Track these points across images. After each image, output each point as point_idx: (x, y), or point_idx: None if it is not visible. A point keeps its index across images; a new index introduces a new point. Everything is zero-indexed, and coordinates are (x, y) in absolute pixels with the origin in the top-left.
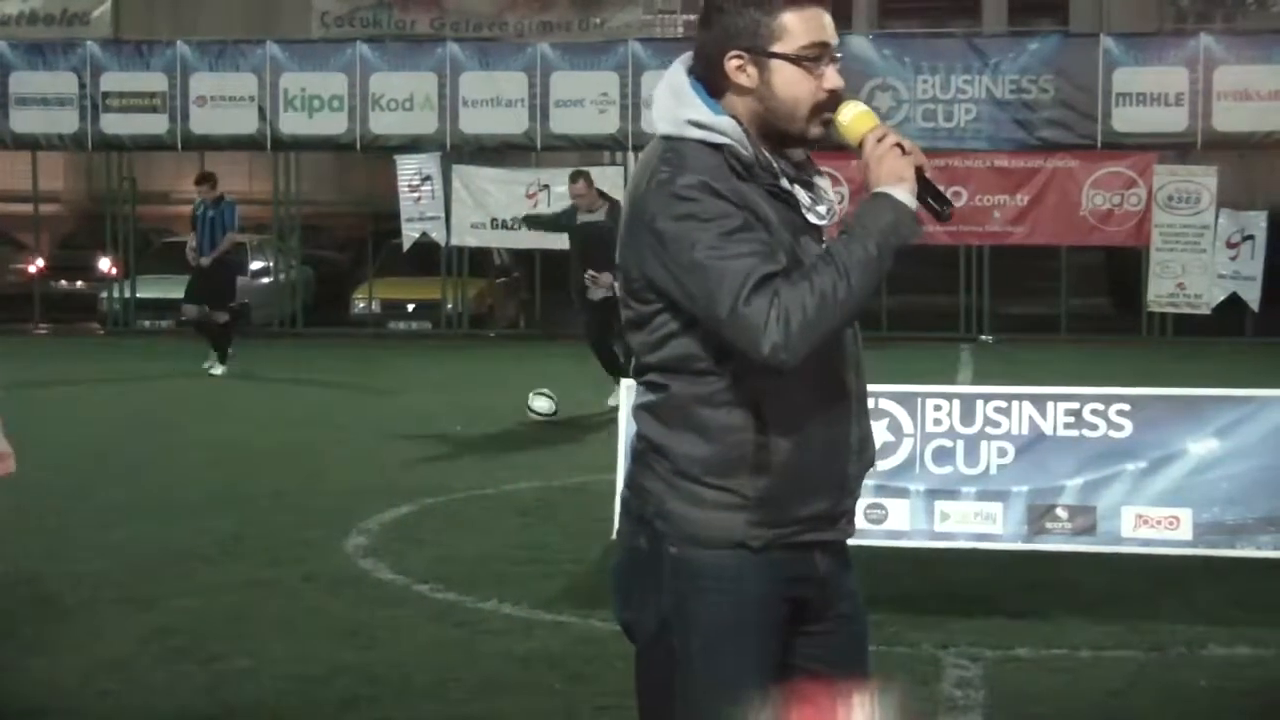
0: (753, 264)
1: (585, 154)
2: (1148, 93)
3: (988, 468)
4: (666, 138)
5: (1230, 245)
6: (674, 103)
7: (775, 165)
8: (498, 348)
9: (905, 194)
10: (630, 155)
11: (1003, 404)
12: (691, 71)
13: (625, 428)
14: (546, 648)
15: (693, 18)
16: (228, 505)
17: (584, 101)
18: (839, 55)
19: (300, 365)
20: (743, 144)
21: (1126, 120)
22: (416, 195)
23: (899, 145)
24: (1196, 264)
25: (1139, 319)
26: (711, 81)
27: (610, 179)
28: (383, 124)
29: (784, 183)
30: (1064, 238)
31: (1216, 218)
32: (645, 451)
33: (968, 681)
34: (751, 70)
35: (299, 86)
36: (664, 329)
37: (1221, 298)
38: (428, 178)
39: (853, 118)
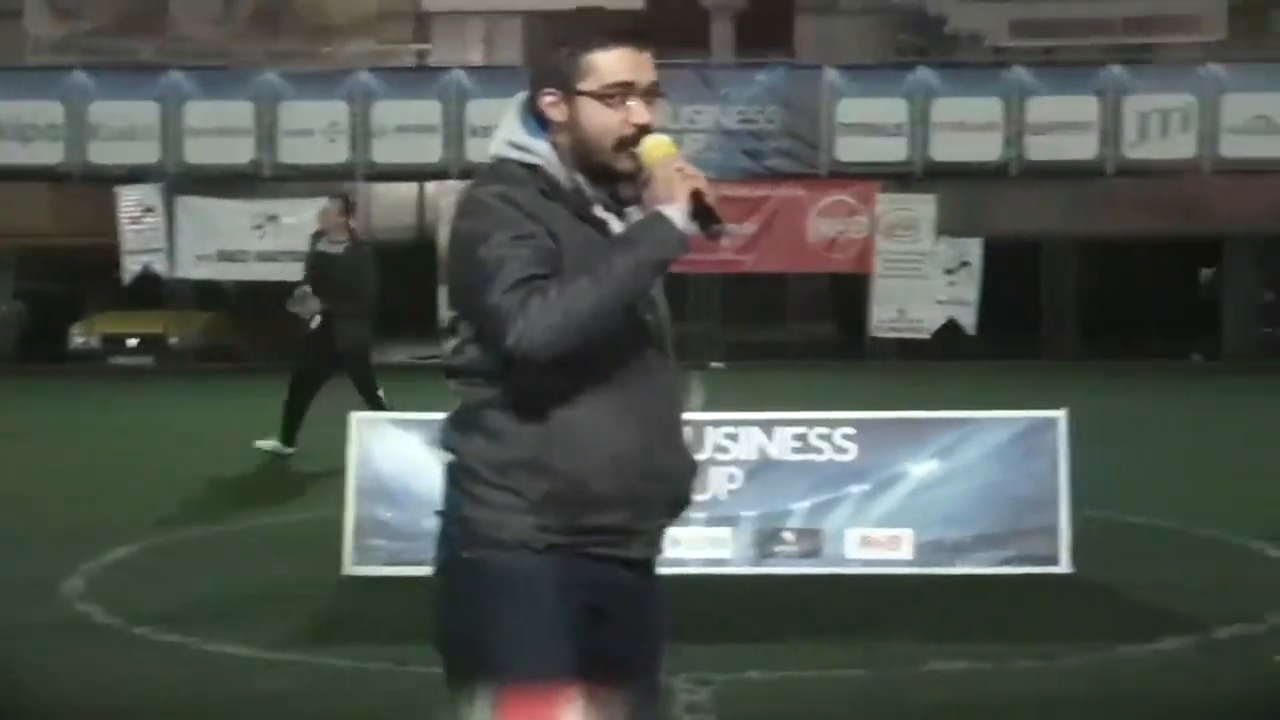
0: (521, 265)
1: (315, 184)
2: (870, 123)
3: (717, 493)
4: (493, 158)
5: (948, 271)
6: (502, 127)
7: (587, 192)
8: (225, 381)
9: (675, 212)
10: (361, 186)
11: (732, 430)
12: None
13: (355, 464)
14: (278, 688)
15: (425, 47)
16: None
17: (314, 131)
18: (660, 92)
19: (14, 402)
20: (554, 166)
21: (850, 150)
22: (138, 227)
23: (679, 169)
24: (917, 290)
25: (864, 344)
26: (539, 114)
27: None
28: (102, 154)
29: (596, 209)
30: (791, 265)
31: (935, 245)
32: (448, 462)
33: (698, 706)
34: (563, 106)
35: (12, 114)
36: (464, 333)
37: (941, 322)
38: (150, 209)
39: (650, 147)
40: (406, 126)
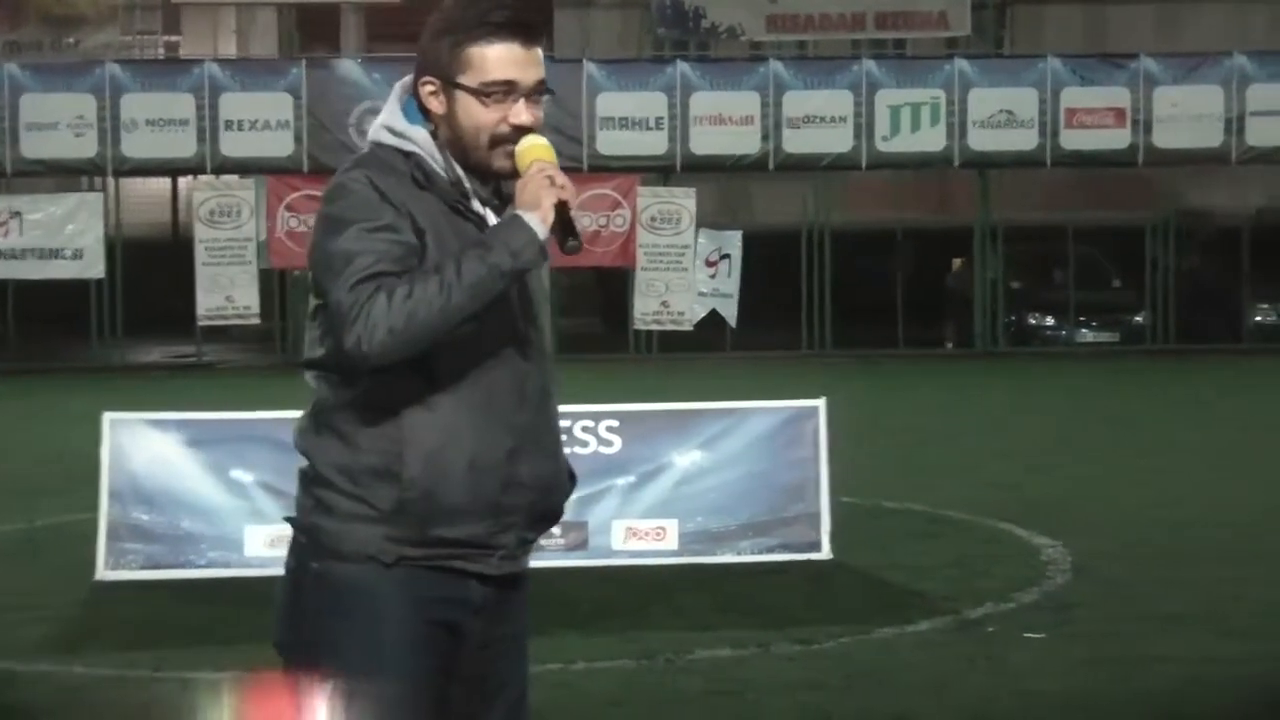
0: (372, 260)
1: (61, 179)
2: (630, 117)
3: None
4: (370, 143)
5: (709, 264)
6: (383, 113)
7: (467, 185)
8: None
9: (536, 220)
10: (111, 181)
11: None
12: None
13: (108, 465)
14: (26, 701)
15: (175, 39)
16: None
17: (59, 125)
18: (547, 90)
19: None
20: (432, 155)
21: (611, 143)
22: None
23: (550, 177)
24: (679, 282)
25: (627, 337)
26: (420, 101)
27: (90, 205)
28: None
29: (475, 204)
30: (554, 259)
31: (696, 237)
32: (300, 467)
33: None
34: (442, 97)
35: None
36: (323, 325)
37: (702, 314)
38: None
39: (525, 149)
40: (157, 120)
